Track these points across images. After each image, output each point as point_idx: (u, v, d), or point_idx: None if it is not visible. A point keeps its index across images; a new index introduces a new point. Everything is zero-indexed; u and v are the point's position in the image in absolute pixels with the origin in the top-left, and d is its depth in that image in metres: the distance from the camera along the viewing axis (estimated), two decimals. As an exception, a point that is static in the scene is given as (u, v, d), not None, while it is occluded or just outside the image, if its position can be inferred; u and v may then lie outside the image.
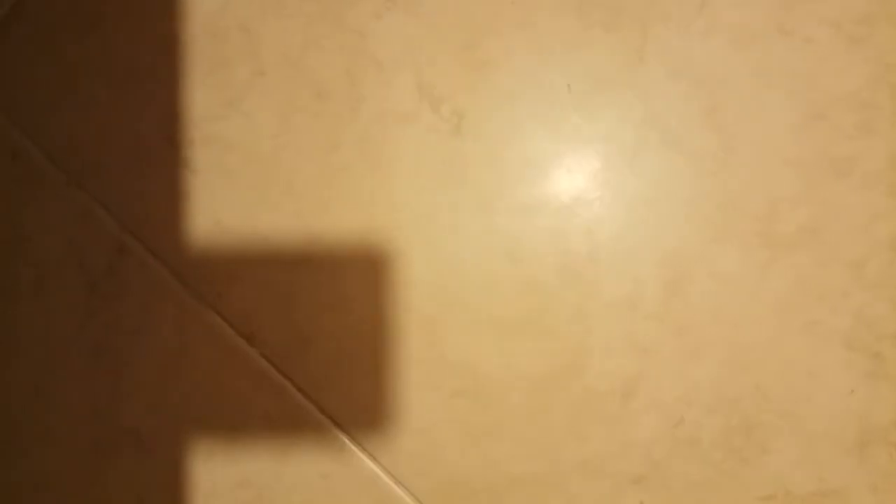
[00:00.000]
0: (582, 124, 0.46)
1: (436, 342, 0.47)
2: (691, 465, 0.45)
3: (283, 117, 0.49)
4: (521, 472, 0.46)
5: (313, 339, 0.48)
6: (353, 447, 0.48)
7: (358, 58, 0.49)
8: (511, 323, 0.47)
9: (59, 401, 0.50)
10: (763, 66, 0.45)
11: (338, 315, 0.48)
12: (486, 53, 0.47)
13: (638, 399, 0.45)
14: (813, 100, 0.44)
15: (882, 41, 0.44)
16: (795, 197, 0.44)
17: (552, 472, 0.46)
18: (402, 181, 0.48)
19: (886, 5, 0.44)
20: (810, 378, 0.44)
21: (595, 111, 0.46)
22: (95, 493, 0.50)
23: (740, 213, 0.45)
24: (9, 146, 0.52)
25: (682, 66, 0.45)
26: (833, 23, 0.44)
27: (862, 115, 0.44)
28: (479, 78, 0.48)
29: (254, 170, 0.50)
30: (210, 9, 0.51)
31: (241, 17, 0.50)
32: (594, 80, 0.46)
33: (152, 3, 0.51)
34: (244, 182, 0.50)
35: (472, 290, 0.47)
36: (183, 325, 0.49)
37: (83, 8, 0.52)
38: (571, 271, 0.46)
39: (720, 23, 0.45)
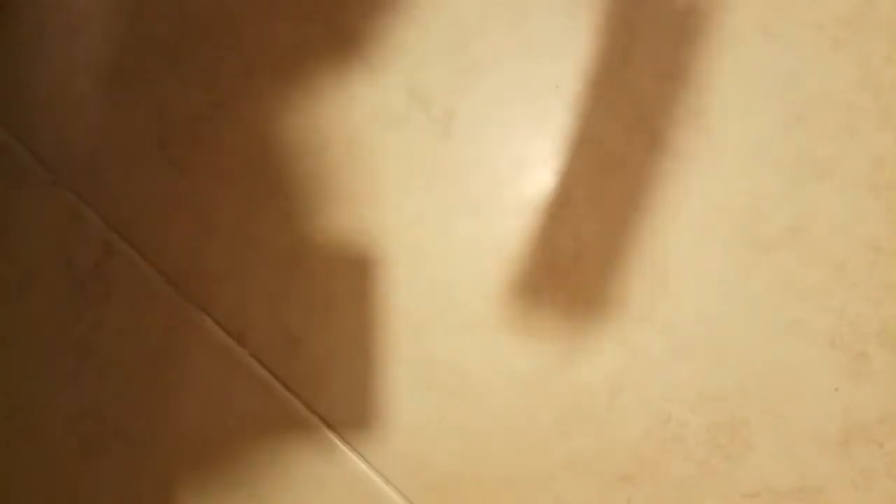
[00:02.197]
0: (570, 125, 0.47)
1: (425, 342, 0.47)
2: (677, 462, 0.45)
3: (272, 118, 0.49)
4: (510, 471, 0.47)
5: (303, 339, 0.48)
6: (344, 447, 0.48)
7: (348, 59, 0.49)
8: (499, 323, 0.47)
9: (46, 401, 0.50)
10: (748, 68, 0.45)
11: (328, 315, 0.48)
12: (476, 55, 0.48)
13: (625, 398, 0.46)
14: (796, 101, 0.45)
15: (864, 43, 0.44)
16: (779, 198, 0.45)
17: (541, 471, 0.46)
18: (392, 182, 0.48)
19: (869, 8, 0.45)
20: (794, 376, 0.45)
21: (583, 113, 0.47)
22: (83, 493, 0.50)
23: (725, 214, 0.45)
24: (-4, 146, 0.51)
25: (670, 67, 0.46)
26: (817, 25, 0.45)
27: (844, 117, 0.45)
28: (469, 79, 0.48)
29: (243, 170, 0.49)
30: (199, 9, 0.50)
31: (231, 18, 0.50)
32: (583, 81, 0.47)
33: (140, 3, 0.51)
34: (233, 182, 0.49)
35: (461, 290, 0.47)
36: (171, 326, 0.49)
37: (70, 9, 0.52)
38: (559, 271, 0.46)
39: (707, 25, 0.46)
